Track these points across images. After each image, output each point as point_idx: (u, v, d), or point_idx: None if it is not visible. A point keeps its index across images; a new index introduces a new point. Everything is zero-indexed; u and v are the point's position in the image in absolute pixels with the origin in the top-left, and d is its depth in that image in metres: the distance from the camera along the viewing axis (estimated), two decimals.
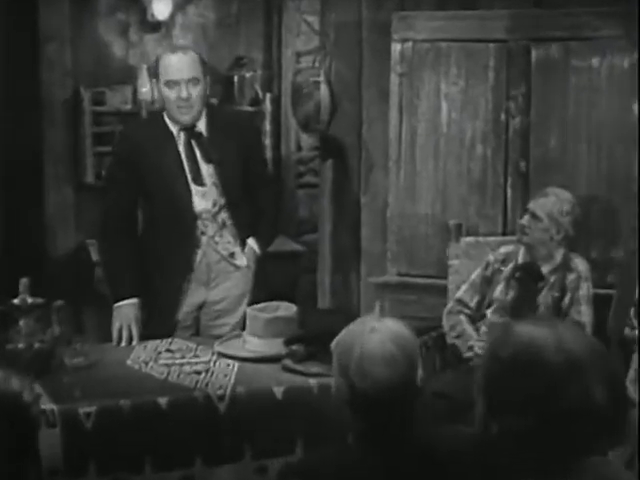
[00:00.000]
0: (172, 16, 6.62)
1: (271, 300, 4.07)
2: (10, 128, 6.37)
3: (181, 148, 4.23)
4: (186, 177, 4.22)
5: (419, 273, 5.27)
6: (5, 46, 6.34)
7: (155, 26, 6.60)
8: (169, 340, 4.13)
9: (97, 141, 6.45)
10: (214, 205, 4.26)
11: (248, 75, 6.63)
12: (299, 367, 3.71)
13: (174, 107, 4.18)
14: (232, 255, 4.35)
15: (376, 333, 2.45)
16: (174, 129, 4.24)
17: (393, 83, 5.23)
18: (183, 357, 3.91)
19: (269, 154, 6.54)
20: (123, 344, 4.11)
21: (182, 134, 4.24)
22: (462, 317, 4.55)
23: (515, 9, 5.13)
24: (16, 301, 3.62)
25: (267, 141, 6.59)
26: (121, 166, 4.30)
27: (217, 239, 4.30)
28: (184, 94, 4.15)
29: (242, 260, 4.37)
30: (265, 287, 4.49)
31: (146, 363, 3.84)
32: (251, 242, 4.38)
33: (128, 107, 6.49)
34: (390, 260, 5.32)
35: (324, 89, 5.44)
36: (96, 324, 6.17)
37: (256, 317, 3.93)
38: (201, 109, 4.23)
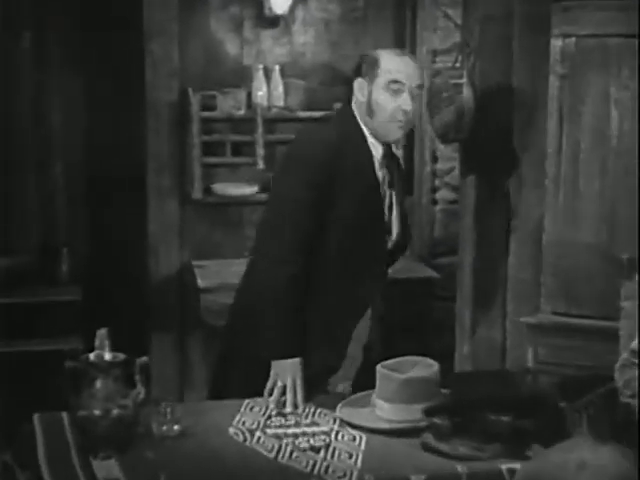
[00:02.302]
0: (292, 10, 6.10)
1: (397, 342, 3.68)
2: (111, 133, 6.10)
3: (377, 169, 3.53)
4: (383, 206, 3.55)
5: (580, 313, 4.50)
6: (107, 44, 6.02)
7: (273, 21, 6.09)
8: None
9: (206, 151, 5.93)
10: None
11: None
12: (444, 446, 2.97)
13: (386, 118, 3.45)
14: None
15: (587, 471, 1.64)
16: (375, 145, 3.53)
17: (552, 86, 4.50)
18: (297, 424, 3.22)
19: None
20: (289, 410, 3.36)
21: (382, 153, 3.54)
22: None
23: None
24: (92, 357, 2.95)
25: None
26: (315, 186, 3.42)
27: None
28: (408, 105, 3.44)
29: None
30: (389, 319, 3.94)
31: (252, 432, 3.13)
32: None
33: (241, 113, 5.92)
34: (545, 296, 4.58)
35: (467, 92, 4.69)
36: (201, 357, 5.76)
37: (388, 377, 3.20)
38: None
